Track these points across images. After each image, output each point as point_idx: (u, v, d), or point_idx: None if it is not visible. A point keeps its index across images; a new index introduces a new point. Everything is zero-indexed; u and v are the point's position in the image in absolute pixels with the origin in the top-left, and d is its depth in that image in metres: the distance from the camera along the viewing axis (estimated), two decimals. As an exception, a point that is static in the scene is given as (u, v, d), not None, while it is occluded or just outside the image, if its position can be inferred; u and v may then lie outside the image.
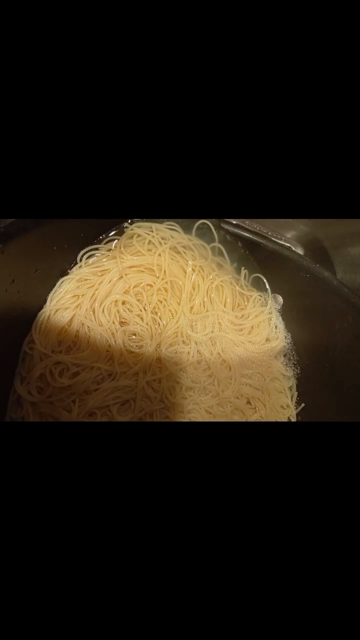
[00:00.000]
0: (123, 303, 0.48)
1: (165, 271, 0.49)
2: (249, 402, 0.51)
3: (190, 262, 0.51)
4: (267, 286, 0.55)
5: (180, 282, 0.50)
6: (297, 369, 0.54)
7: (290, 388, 0.53)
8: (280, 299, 0.56)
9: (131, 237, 0.52)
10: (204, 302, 0.50)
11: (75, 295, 0.47)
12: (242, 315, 0.53)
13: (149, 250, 0.50)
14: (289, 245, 0.56)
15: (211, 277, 0.51)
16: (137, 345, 0.48)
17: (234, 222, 0.53)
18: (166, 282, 0.49)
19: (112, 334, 0.47)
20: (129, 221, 0.52)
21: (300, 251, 0.54)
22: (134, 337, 0.48)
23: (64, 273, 0.49)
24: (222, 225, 0.53)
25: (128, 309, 0.48)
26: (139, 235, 0.52)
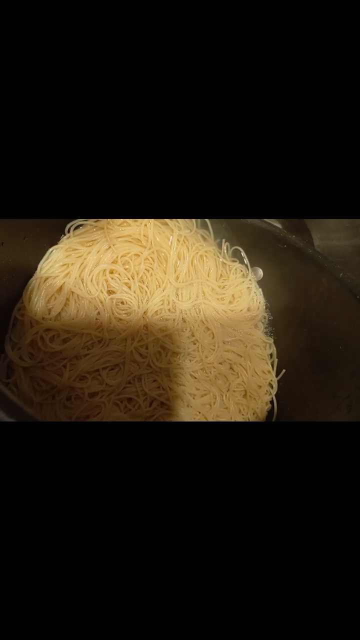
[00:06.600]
0: (111, 272, 0.50)
1: (151, 241, 0.51)
2: (231, 368, 0.54)
3: (175, 232, 0.53)
4: (246, 260, 0.58)
5: (166, 252, 0.52)
6: (276, 336, 0.57)
7: (271, 355, 0.57)
8: (260, 272, 0.59)
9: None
10: (189, 271, 0.53)
11: (64, 264, 0.48)
12: (225, 286, 0.56)
13: (135, 220, 0.52)
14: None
15: (196, 247, 0.54)
16: (125, 313, 0.49)
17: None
18: (152, 252, 0.51)
19: (101, 302, 0.48)
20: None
21: (278, 224, 0.57)
22: (121, 305, 0.50)
23: (53, 243, 0.50)
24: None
25: (117, 277, 0.50)
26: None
